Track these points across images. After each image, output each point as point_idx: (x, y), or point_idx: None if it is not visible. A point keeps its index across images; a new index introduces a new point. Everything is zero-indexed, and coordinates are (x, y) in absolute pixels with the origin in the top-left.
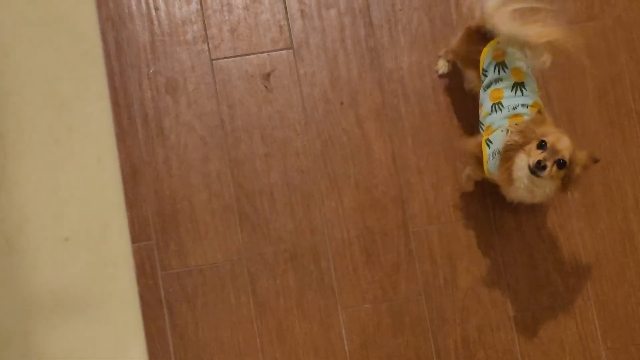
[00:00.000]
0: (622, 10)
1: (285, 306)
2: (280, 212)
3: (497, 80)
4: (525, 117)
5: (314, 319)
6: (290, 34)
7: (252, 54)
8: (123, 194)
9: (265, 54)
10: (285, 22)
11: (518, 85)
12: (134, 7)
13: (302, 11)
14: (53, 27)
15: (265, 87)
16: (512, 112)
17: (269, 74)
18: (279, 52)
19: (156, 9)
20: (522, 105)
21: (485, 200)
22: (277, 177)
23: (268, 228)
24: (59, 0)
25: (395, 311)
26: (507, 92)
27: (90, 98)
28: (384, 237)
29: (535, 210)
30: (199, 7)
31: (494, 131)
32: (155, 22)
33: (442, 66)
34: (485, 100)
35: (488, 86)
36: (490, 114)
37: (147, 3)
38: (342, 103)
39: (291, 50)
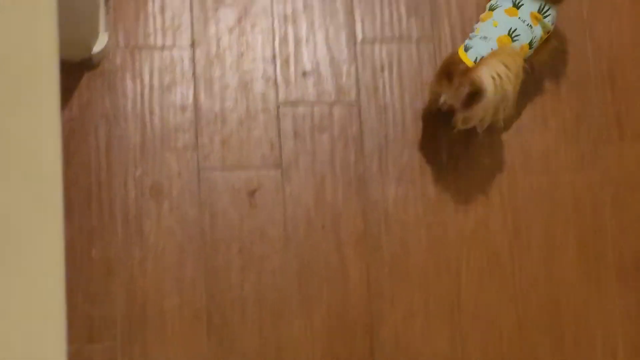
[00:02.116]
0: (611, 165)
1: None
2: (249, 327)
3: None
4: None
5: None
6: (280, 153)
7: (241, 168)
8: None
9: (253, 170)
10: (277, 141)
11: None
12: (129, 108)
13: (295, 132)
14: (10, 163)
15: (250, 202)
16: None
17: (254, 190)
18: (267, 169)
19: (151, 112)
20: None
21: (455, 339)
22: (250, 291)
23: (234, 342)
24: (19, 135)
25: None
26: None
27: (42, 243)
28: None
29: (502, 339)
30: (193, 116)
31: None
32: (148, 126)
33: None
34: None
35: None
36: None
37: (142, 105)
38: (323, 227)
39: (280, 169)
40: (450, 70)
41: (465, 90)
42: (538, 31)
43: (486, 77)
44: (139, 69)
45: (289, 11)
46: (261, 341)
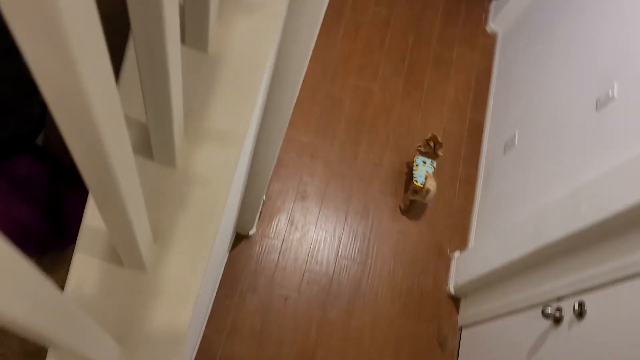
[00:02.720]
0: (412, 331)
1: None
2: (271, 345)
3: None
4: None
5: None
6: (300, 287)
7: (285, 288)
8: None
9: (288, 291)
10: (300, 282)
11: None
12: (256, 256)
13: (307, 281)
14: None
15: (285, 302)
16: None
17: (287, 298)
18: (293, 292)
19: (263, 259)
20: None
21: None
22: (274, 331)
23: (265, 346)
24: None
25: None
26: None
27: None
28: None
29: None
30: (275, 265)
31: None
32: (260, 264)
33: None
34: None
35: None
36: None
37: (260, 256)
38: (306, 318)
39: (298, 293)
40: (416, 190)
41: (423, 193)
42: (432, 167)
43: (429, 186)
44: (262, 242)
45: (320, 238)
46: (274, 350)
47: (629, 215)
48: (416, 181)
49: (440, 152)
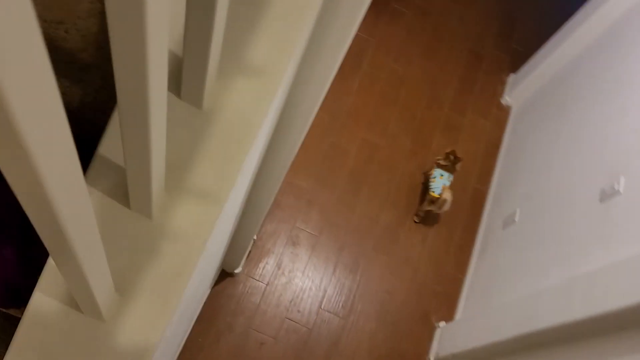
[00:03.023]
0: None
1: None
2: None
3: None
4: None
5: None
6: (278, 333)
7: (263, 333)
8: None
9: (266, 336)
10: (282, 328)
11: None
12: (239, 294)
13: (286, 329)
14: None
15: (260, 346)
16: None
17: (263, 344)
18: (271, 338)
19: (245, 298)
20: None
21: None
22: None
23: None
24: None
25: None
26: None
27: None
28: None
29: None
30: (257, 306)
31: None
32: (242, 302)
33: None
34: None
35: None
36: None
37: (243, 295)
38: None
39: (275, 340)
40: (432, 200)
41: (440, 203)
42: (448, 180)
43: (446, 197)
44: (246, 283)
45: (305, 287)
46: None
47: (624, 315)
48: (433, 192)
49: (458, 167)
